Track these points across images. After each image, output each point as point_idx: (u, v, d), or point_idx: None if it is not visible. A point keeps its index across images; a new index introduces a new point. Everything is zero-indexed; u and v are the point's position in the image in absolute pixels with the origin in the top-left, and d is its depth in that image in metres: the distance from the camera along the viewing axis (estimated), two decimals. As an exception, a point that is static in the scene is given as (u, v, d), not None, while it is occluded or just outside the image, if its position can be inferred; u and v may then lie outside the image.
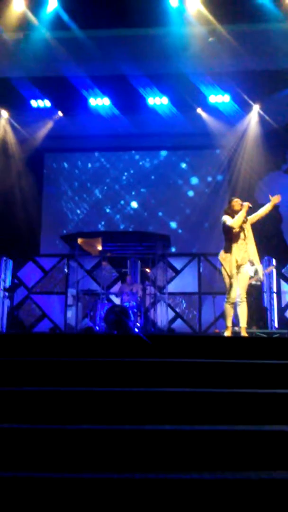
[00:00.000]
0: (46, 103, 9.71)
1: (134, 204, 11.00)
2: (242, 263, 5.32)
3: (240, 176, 10.10)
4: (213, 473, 2.44)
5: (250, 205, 5.37)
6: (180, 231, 10.46)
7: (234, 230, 5.30)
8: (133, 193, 11.02)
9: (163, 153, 11.13)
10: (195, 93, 9.25)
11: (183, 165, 11.02)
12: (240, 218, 5.30)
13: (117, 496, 2.31)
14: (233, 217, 5.34)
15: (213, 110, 9.64)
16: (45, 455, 2.59)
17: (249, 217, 5.44)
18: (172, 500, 2.30)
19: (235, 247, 5.32)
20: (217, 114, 9.65)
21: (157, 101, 9.48)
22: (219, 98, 9.35)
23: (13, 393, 3.07)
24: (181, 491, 2.31)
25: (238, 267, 5.32)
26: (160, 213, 10.84)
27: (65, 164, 11.31)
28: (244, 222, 5.36)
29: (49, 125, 10.19)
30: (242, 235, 5.34)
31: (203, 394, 3.05)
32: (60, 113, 10.05)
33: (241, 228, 5.33)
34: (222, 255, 5.40)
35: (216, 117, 9.73)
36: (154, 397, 3.02)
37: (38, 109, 9.82)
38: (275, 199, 5.45)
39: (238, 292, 5.31)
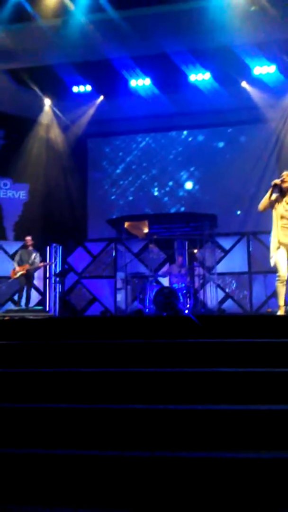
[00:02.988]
0: (88, 88, 9.74)
1: (180, 185, 10.85)
2: (286, 242, 5.11)
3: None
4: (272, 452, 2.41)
5: (277, 183, 5.11)
6: (228, 209, 10.19)
7: (259, 211, 5.21)
8: (180, 173, 10.86)
9: (208, 130, 10.85)
10: (239, 65, 8.96)
11: (226, 142, 10.72)
12: (265, 200, 5.14)
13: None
14: (279, 191, 5.13)
15: (258, 83, 9.31)
16: (99, 432, 2.65)
17: None
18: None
19: (277, 225, 5.14)
20: (263, 86, 9.30)
21: (199, 77, 9.26)
22: (264, 70, 9.00)
23: (69, 374, 3.15)
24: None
25: (284, 245, 5.13)
26: (207, 192, 10.63)
27: (109, 148, 11.34)
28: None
29: (91, 110, 10.22)
30: (286, 213, 5.12)
31: (256, 374, 2.99)
32: (101, 97, 10.04)
33: (286, 205, 5.12)
34: (271, 234, 5.26)
35: (261, 89, 9.37)
36: (206, 378, 3.00)
37: (80, 94, 9.87)
38: None
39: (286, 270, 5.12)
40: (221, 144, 10.74)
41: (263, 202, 5.18)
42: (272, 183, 5.14)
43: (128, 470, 2.39)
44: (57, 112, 10.37)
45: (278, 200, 5.17)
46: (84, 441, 2.64)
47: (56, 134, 10.61)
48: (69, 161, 10.73)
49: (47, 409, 2.82)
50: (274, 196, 5.14)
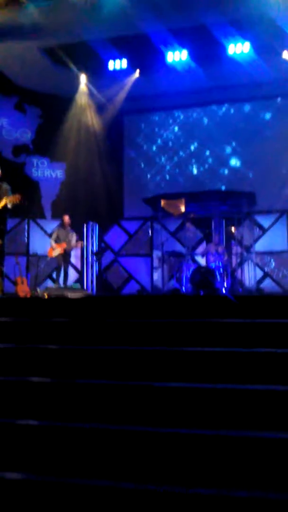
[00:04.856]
0: (124, 63, 9.58)
1: (219, 161, 10.57)
2: None
3: None
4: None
5: None
6: (269, 186, 9.85)
7: None
8: (219, 149, 10.57)
9: (245, 105, 10.48)
10: (280, 36, 8.53)
11: (267, 117, 10.33)
12: None
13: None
14: None
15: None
16: (132, 409, 2.69)
17: None
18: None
19: None
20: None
21: (238, 48, 8.91)
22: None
23: (105, 351, 3.20)
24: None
25: None
26: (247, 169, 10.32)
27: (145, 125, 11.17)
28: None
29: (127, 86, 10.07)
30: None
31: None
32: (137, 73, 9.87)
33: None
34: None
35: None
36: (244, 358, 2.97)
37: (116, 71, 9.73)
38: None
39: None
40: (262, 118, 10.34)
41: None
42: None
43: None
44: (93, 89, 10.28)
45: None
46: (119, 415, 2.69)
47: (92, 112, 10.56)
48: (105, 139, 10.68)
49: (88, 385, 2.88)
50: None
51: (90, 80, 10.21)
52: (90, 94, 10.37)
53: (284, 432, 2.43)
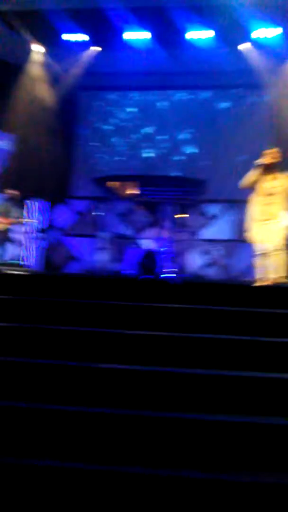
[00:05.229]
0: (81, 37, 9.27)
1: (173, 146, 10.53)
2: (269, 218, 5.13)
3: (285, 116, 9.43)
4: (232, 415, 2.45)
5: (262, 163, 5.07)
6: (219, 176, 9.98)
7: (241, 187, 5.20)
8: (174, 135, 10.54)
9: (204, 92, 10.50)
10: (241, 26, 8.59)
11: (224, 106, 10.41)
12: (249, 179, 5.13)
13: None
14: (263, 170, 5.11)
15: (259, 46, 8.98)
16: (64, 389, 2.66)
17: None
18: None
19: (257, 201, 5.16)
20: (264, 49, 8.98)
21: (199, 34, 8.88)
22: (267, 32, 8.67)
23: (45, 331, 3.13)
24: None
25: (263, 221, 5.15)
26: (201, 157, 10.36)
27: (101, 103, 10.91)
28: (275, 175, 5.09)
29: (84, 61, 9.76)
30: (270, 190, 5.11)
31: (229, 341, 3.02)
32: (95, 48, 9.60)
33: (267, 182, 5.10)
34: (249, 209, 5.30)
35: (262, 53, 9.06)
36: (182, 342, 3.01)
37: (73, 43, 9.40)
38: None
39: (269, 243, 5.16)
40: (219, 107, 10.40)
41: (247, 180, 5.16)
42: (257, 163, 5.10)
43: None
44: (47, 60, 9.87)
45: (262, 176, 5.15)
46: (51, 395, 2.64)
47: (45, 84, 10.15)
48: (58, 114, 10.32)
49: (25, 364, 2.81)
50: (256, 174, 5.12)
51: (46, 50, 9.80)
52: (44, 65, 9.95)
53: (224, 414, 2.49)
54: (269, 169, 5.12)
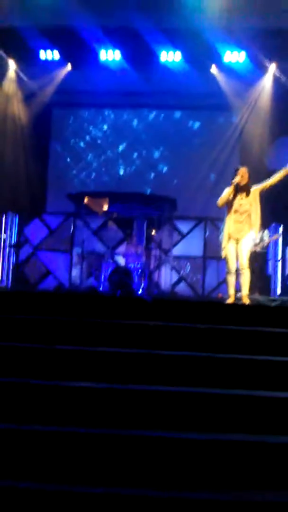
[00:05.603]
0: (55, 54, 9.40)
1: (146, 165, 10.74)
2: (241, 236, 5.33)
3: (252, 138, 9.79)
4: (205, 434, 2.53)
5: (238, 182, 5.29)
6: (189, 193, 10.22)
7: (218, 206, 5.38)
8: (147, 153, 10.75)
9: (175, 112, 10.80)
10: (210, 50, 8.91)
11: (195, 126, 10.72)
12: (225, 197, 5.31)
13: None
14: (235, 188, 5.31)
15: (227, 69, 9.32)
16: (38, 408, 2.69)
17: (257, 186, 5.38)
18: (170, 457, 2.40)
19: (229, 219, 5.37)
20: (232, 73, 9.33)
21: (170, 57, 9.16)
22: (234, 57, 9.01)
23: (15, 348, 3.15)
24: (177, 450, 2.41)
25: (235, 239, 5.35)
26: (172, 175, 10.59)
27: (74, 120, 11.05)
28: (246, 194, 5.31)
29: (58, 78, 9.88)
30: (241, 208, 5.32)
31: (201, 358, 3.11)
32: (69, 66, 9.74)
33: (240, 200, 5.30)
34: (222, 227, 5.48)
35: (230, 76, 9.40)
36: (153, 360, 3.09)
37: (47, 61, 9.52)
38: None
39: (239, 261, 5.35)
40: (190, 127, 10.70)
41: (223, 198, 5.35)
42: (234, 182, 5.29)
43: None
44: (22, 76, 9.95)
45: (234, 194, 5.35)
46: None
47: (19, 100, 10.20)
48: (32, 130, 10.38)
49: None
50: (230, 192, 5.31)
51: (20, 67, 9.88)
52: (19, 82, 10.02)
53: (194, 432, 2.56)
54: (240, 187, 5.32)
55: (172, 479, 2.33)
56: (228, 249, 5.33)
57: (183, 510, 2.11)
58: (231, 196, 5.31)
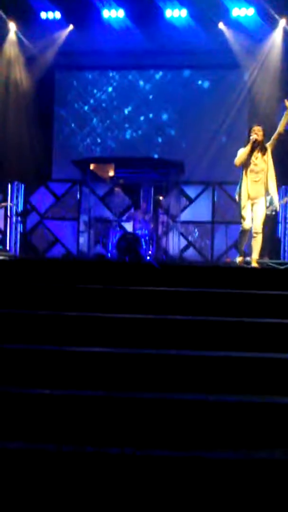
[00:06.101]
0: (56, 14, 9.08)
1: (154, 128, 10.44)
2: (257, 196, 5.25)
3: (262, 97, 9.44)
4: (212, 395, 2.56)
5: (257, 139, 5.14)
6: (197, 157, 9.96)
7: (236, 166, 5.22)
8: (149, 115, 10.47)
9: (183, 72, 10.36)
10: (217, 5, 8.56)
11: (203, 85, 10.33)
12: (243, 155, 5.20)
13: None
14: (252, 146, 5.18)
15: (236, 25, 8.95)
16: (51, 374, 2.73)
17: (269, 143, 5.23)
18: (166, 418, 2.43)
19: (248, 180, 5.25)
20: (240, 29, 8.96)
21: (176, 13, 8.80)
22: (243, 12, 8.64)
23: (27, 316, 3.17)
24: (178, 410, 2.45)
25: (253, 199, 5.26)
26: (181, 139, 10.31)
27: (78, 83, 10.73)
28: (262, 152, 5.18)
29: (60, 39, 9.56)
30: (256, 167, 5.21)
31: (210, 322, 3.11)
32: (71, 26, 9.41)
33: (255, 161, 5.18)
34: (238, 187, 5.37)
35: (239, 33, 9.03)
36: (163, 324, 3.09)
37: (48, 21, 9.22)
38: None
39: (253, 224, 5.29)
40: (199, 88, 10.30)
41: (241, 157, 5.21)
42: (252, 138, 5.15)
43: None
44: (23, 38, 9.63)
45: (249, 153, 5.23)
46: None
47: (20, 64, 9.92)
48: (35, 95, 10.12)
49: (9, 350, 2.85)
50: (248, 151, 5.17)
51: (21, 29, 9.56)
52: (20, 45, 9.71)
53: (197, 393, 2.59)
54: (256, 145, 5.19)
55: (190, 440, 2.37)
56: (246, 209, 5.27)
57: (196, 468, 2.16)
58: (247, 155, 5.19)
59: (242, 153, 5.22)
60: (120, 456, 2.17)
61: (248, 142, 5.25)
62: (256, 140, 5.16)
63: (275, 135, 5.22)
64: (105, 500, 2.10)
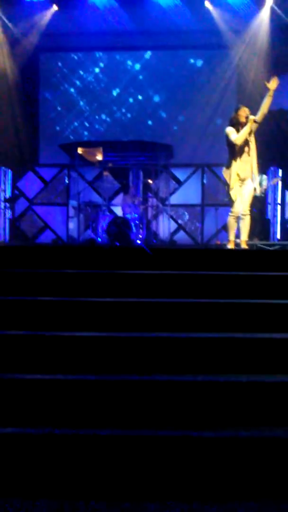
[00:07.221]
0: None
1: (142, 110, 10.29)
2: (246, 177, 5.22)
3: (249, 77, 9.36)
4: (206, 375, 2.58)
5: (257, 120, 5.10)
6: (188, 140, 9.85)
7: (236, 146, 5.13)
8: (141, 97, 10.31)
9: (171, 52, 10.21)
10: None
11: (189, 66, 10.23)
12: (245, 133, 5.11)
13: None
14: (237, 128, 5.12)
15: (222, 4, 8.82)
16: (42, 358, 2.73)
17: (254, 124, 5.19)
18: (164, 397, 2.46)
19: (238, 160, 5.19)
20: (227, 8, 8.84)
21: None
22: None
23: (17, 302, 3.16)
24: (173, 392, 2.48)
25: (241, 181, 5.23)
26: (172, 122, 10.21)
27: (63, 65, 10.54)
28: (249, 134, 5.15)
29: (44, 20, 9.35)
30: (246, 148, 5.18)
31: (201, 304, 3.12)
32: (55, 7, 9.20)
33: (246, 141, 5.13)
34: (225, 168, 5.30)
35: (225, 12, 8.91)
36: (154, 308, 3.10)
37: (31, 2, 8.99)
38: (273, 84, 5.08)
39: (241, 206, 5.27)
40: (190, 68, 10.18)
41: (244, 136, 5.12)
42: (252, 118, 5.10)
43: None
44: (6, 21, 9.40)
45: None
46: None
47: (3, 46, 9.70)
48: (19, 78, 9.93)
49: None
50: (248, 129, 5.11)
51: (2, 11, 9.31)
52: (3, 27, 9.47)
53: (191, 375, 2.62)
54: (243, 127, 5.14)
55: (178, 420, 2.41)
56: (235, 190, 5.23)
57: (194, 447, 2.21)
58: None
59: (244, 132, 5.12)
60: (110, 438, 2.21)
61: (236, 121, 5.18)
62: (255, 120, 5.12)
63: (260, 117, 5.17)
64: (96, 479, 2.16)
